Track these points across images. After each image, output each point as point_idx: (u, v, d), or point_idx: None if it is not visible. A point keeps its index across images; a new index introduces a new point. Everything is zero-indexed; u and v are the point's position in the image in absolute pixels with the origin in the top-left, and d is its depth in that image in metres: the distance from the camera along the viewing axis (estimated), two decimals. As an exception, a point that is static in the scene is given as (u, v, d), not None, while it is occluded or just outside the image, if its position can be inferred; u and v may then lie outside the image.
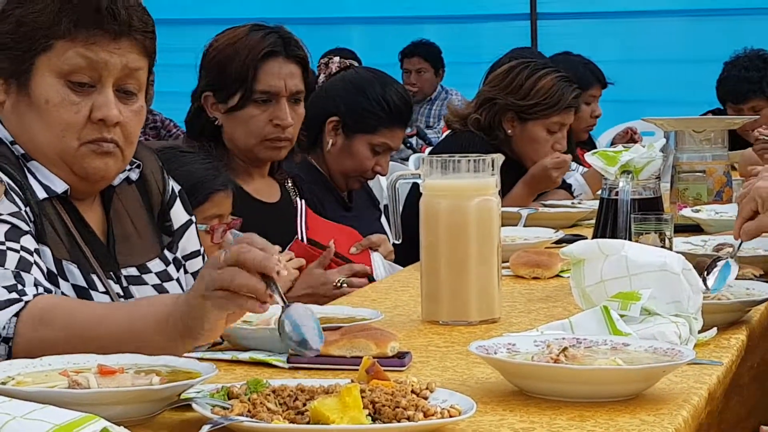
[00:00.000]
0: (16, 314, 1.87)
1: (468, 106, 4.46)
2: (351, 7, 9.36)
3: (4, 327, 1.86)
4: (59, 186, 2.13)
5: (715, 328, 2.16)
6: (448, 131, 4.75)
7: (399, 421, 1.50)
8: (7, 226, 1.99)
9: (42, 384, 1.65)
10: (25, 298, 1.90)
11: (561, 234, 3.45)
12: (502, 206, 2.49)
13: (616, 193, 3.00)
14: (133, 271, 2.23)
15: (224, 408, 1.57)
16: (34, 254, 2.01)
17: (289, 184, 3.50)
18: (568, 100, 4.28)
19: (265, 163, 3.39)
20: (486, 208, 2.34)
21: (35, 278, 1.97)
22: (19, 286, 1.92)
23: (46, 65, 2.11)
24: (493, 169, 2.35)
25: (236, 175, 3.29)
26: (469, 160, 2.34)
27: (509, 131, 4.28)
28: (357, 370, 1.72)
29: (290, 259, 3.03)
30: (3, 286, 1.91)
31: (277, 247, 1.80)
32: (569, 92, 4.29)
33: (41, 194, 2.11)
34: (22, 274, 1.95)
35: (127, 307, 1.93)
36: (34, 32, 2.11)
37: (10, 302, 1.89)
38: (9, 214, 2.01)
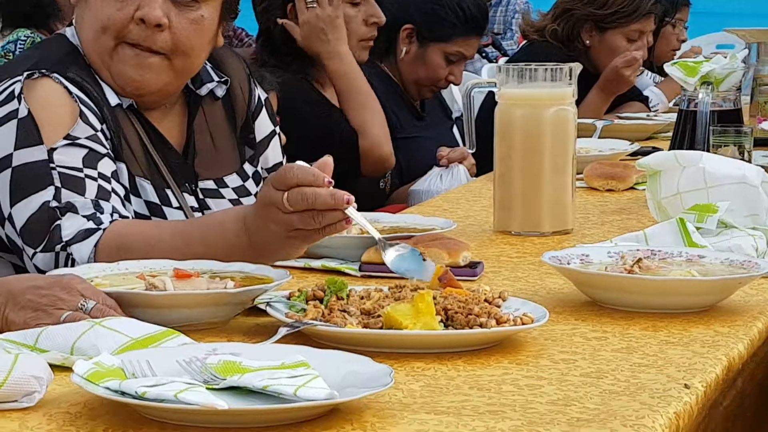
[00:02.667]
0: (95, 244, 1.90)
1: (544, 17, 4.42)
2: None
3: (89, 257, 1.89)
4: (124, 99, 2.11)
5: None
6: (525, 41, 4.71)
7: (471, 328, 1.52)
8: (84, 151, 2.00)
9: (120, 286, 1.69)
10: (102, 226, 1.92)
11: (636, 146, 3.43)
12: (578, 116, 2.47)
13: (695, 105, 2.97)
14: (210, 185, 2.23)
15: (298, 312, 1.60)
16: (112, 180, 2.02)
17: None
18: (647, 7, 4.23)
19: None
20: (562, 118, 2.33)
21: (113, 206, 1.98)
22: (98, 214, 1.94)
23: None
24: (570, 79, 2.33)
25: (317, 83, 3.31)
26: (546, 69, 2.33)
27: (587, 42, 4.25)
28: (429, 278, 1.75)
29: None
30: (83, 215, 1.94)
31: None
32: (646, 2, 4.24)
33: (114, 100, 2.10)
34: (101, 202, 1.96)
35: (199, 231, 1.92)
36: None
37: (90, 232, 1.91)
38: (86, 138, 2.01)
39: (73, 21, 2.16)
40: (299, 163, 1.75)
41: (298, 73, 3.28)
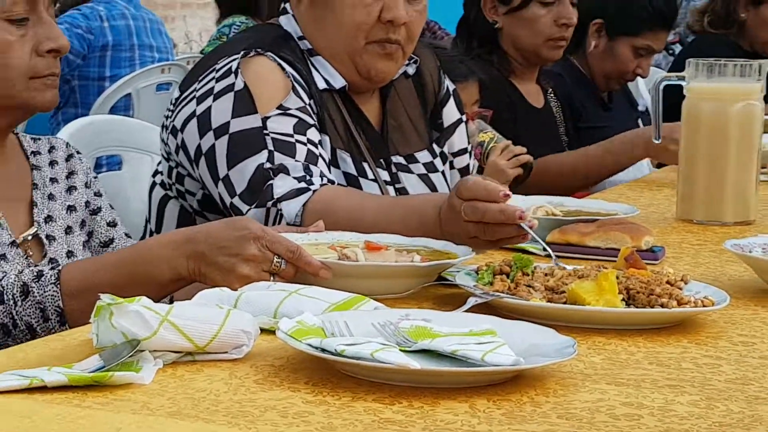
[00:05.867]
0: (304, 204, 1.97)
1: (704, 4, 4.31)
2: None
3: (296, 215, 1.96)
4: (338, 81, 2.21)
5: None
6: (690, 38, 4.59)
7: (653, 307, 1.53)
8: (295, 120, 2.09)
9: (314, 253, 1.72)
10: (312, 188, 1.99)
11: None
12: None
13: None
14: (401, 160, 2.30)
15: (485, 285, 1.62)
16: (319, 146, 2.10)
17: (550, 92, 3.49)
18: None
19: (538, 66, 3.41)
20: (749, 112, 2.30)
21: (321, 170, 2.05)
22: (308, 177, 2.01)
23: None
24: (759, 75, 2.30)
25: (514, 77, 3.32)
26: (735, 65, 2.30)
27: (743, 15, 4.12)
28: (610, 260, 1.76)
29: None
30: (294, 177, 2.01)
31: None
32: None
33: (321, 85, 2.19)
34: (311, 166, 2.03)
35: (400, 211, 1.96)
36: None
37: (300, 192, 1.98)
38: (296, 109, 2.10)
39: (293, 9, 2.26)
40: (474, 176, 1.78)
41: (501, 70, 3.31)
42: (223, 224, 1.69)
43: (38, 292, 1.73)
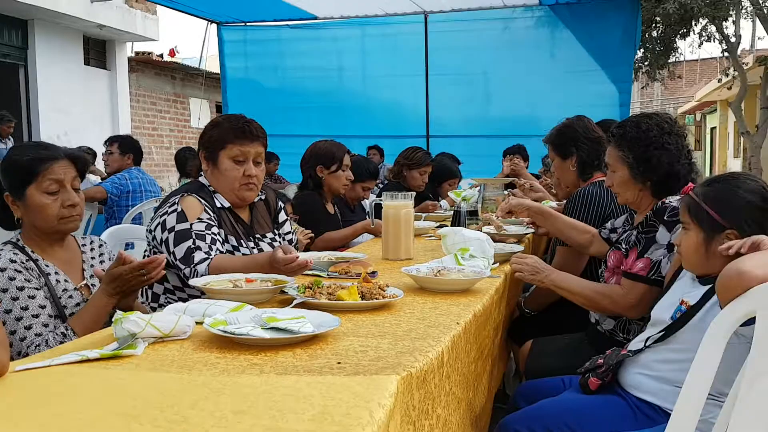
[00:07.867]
0: (207, 266, 1.82)
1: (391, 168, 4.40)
2: (355, 127, 8.60)
3: (205, 271, 1.81)
4: (226, 203, 2.05)
5: (498, 263, 2.14)
6: (386, 182, 4.63)
7: (372, 299, 1.48)
8: (205, 224, 1.93)
9: (221, 285, 1.60)
10: (211, 257, 1.84)
11: (437, 224, 3.41)
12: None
13: (460, 208, 2.97)
14: (259, 236, 2.16)
15: (300, 293, 1.53)
16: (217, 236, 1.95)
17: (336, 206, 3.27)
18: (426, 161, 4.21)
19: (332, 195, 3.15)
20: (408, 213, 2.29)
21: (217, 248, 1.90)
22: (211, 252, 1.86)
23: (226, 154, 2.03)
24: (411, 198, 2.31)
25: (324, 201, 3.08)
26: (402, 194, 2.30)
27: (405, 174, 4.21)
28: (356, 279, 1.69)
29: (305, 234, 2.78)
30: (204, 252, 1.85)
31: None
32: (427, 158, 4.21)
33: (218, 205, 2.04)
34: (212, 246, 1.88)
35: (254, 262, 1.81)
36: (218, 141, 2.04)
37: (205, 260, 1.83)
38: (206, 219, 1.94)
39: (204, 174, 2.09)
40: (279, 252, 1.69)
41: (321, 197, 3.08)
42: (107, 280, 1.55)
43: (66, 333, 1.53)
